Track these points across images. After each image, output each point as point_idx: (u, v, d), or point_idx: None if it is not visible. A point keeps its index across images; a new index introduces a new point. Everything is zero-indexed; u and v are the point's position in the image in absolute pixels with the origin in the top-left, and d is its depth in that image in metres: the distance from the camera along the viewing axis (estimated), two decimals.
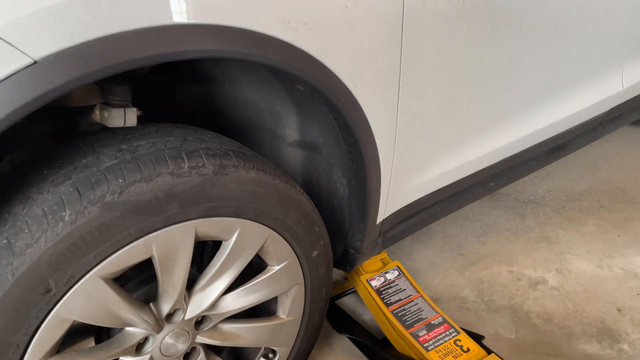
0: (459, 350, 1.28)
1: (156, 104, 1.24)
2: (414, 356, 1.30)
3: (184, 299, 0.94)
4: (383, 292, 1.40)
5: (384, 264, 1.49)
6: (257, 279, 1.02)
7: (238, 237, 0.93)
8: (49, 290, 0.72)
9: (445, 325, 1.35)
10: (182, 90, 1.28)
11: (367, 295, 1.41)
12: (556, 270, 1.81)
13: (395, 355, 1.35)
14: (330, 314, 1.55)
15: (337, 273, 1.77)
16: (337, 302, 1.61)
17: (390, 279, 1.44)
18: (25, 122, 0.96)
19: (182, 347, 0.98)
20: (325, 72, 0.89)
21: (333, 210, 1.24)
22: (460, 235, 2.02)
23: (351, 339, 1.47)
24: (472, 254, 1.91)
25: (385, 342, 1.43)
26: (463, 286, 1.75)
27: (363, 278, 1.42)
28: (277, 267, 1.03)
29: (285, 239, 1.01)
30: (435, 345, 1.29)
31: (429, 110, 1.19)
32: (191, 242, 0.87)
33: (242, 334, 1.06)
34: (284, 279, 1.05)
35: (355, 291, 1.65)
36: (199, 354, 1.03)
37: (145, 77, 1.20)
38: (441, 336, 1.32)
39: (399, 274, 1.46)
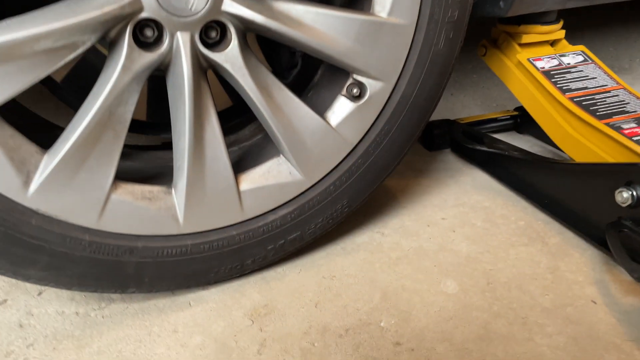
0: None
1: None
2: (606, 155, 0.74)
3: None
4: (556, 76, 0.85)
5: (557, 50, 0.92)
6: None
7: None
8: None
9: None
10: None
11: (525, 81, 0.86)
12: None
13: (560, 164, 0.78)
14: (454, 143, 1.04)
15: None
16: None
17: (569, 63, 0.88)
18: None
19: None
20: None
21: None
22: None
23: (483, 154, 0.94)
24: None
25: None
26: None
27: (522, 56, 0.87)
28: None
29: None
30: None
31: None
32: None
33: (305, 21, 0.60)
34: None
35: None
36: (231, 41, 0.59)
37: None
38: None
39: (585, 60, 0.89)
